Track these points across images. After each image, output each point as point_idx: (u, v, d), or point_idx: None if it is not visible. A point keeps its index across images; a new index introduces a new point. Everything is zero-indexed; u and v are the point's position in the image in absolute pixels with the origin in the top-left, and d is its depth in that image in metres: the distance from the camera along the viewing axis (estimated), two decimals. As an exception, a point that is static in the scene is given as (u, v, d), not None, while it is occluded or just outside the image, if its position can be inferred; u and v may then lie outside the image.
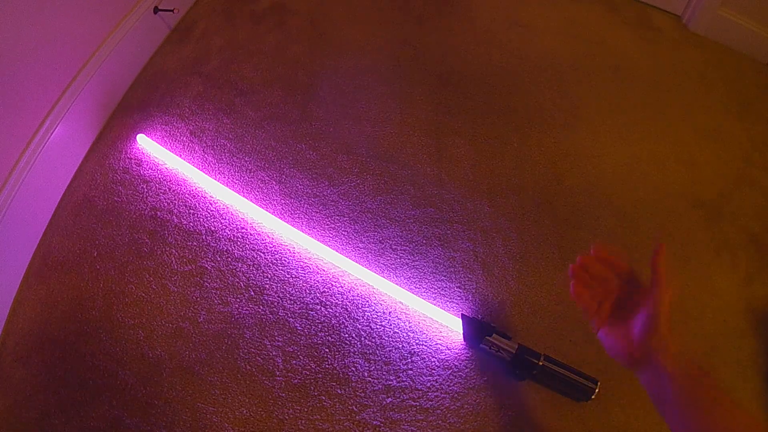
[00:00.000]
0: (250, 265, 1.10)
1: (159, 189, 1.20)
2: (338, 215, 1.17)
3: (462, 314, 1.00)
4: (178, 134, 1.30)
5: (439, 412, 0.94)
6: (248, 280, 1.08)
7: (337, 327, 1.03)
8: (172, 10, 1.43)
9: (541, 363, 0.93)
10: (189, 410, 0.94)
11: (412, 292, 1.05)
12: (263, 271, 1.09)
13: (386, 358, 1.00)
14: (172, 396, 0.95)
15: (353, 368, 0.98)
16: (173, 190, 1.20)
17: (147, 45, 1.44)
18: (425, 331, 1.03)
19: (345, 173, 1.23)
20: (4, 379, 0.97)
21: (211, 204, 1.18)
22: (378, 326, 1.03)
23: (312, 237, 1.12)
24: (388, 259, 1.11)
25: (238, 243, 1.12)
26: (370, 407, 0.94)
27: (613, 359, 0.65)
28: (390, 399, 0.95)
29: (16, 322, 1.03)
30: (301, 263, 1.10)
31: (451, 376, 0.98)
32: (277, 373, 0.97)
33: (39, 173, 1.09)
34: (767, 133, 1.34)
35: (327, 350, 1.00)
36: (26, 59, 1.01)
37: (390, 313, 1.05)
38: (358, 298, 1.06)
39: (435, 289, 1.08)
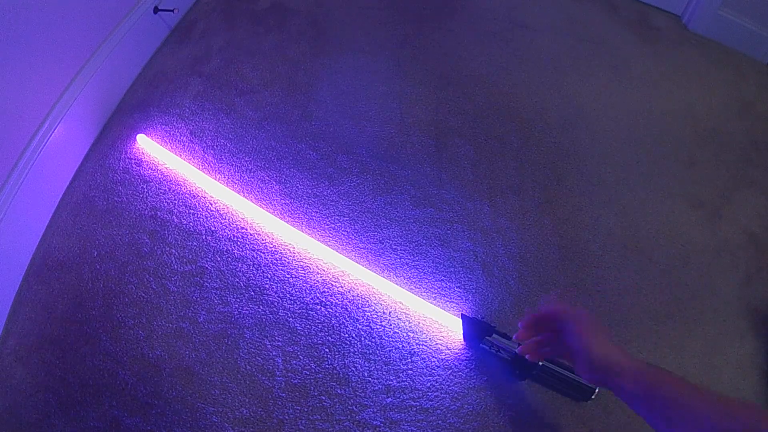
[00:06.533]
0: (250, 265, 1.10)
1: (159, 189, 1.20)
2: (338, 215, 1.17)
3: (462, 314, 1.00)
4: (178, 134, 1.29)
5: (440, 412, 0.94)
6: (248, 280, 1.08)
7: (337, 327, 1.03)
8: (172, 10, 1.42)
9: (541, 363, 0.93)
10: (189, 410, 0.94)
11: (412, 292, 1.06)
12: (263, 271, 1.09)
13: (386, 358, 1.00)
14: (172, 396, 0.95)
15: (353, 368, 0.98)
16: (173, 190, 1.20)
17: (147, 45, 1.43)
18: (425, 331, 1.03)
19: (345, 173, 1.23)
20: (4, 379, 0.97)
21: (211, 204, 1.18)
22: (378, 326, 1.03)
23: (312, 237, 1.12)
24: (388, 259, 1.11)
25: (238, 243, 1.12)
26: (370, 407, 0.94)
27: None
28: (390, 399, 0.95)
29: (16, 322, 1.03)
30: (301, 263, 1.10)
31: (451, 376, 0.98)
32: (277, 373, 0.97)
33: (39, 173, 1.09)
34: (767, 133, 1.34)
35: (327, 350, 1.00)
36: (26, 59, 1.01)
37: (390, 313, 1.05)
38: (358, 298, 1.06)
39: (435, 289, 1.08)
